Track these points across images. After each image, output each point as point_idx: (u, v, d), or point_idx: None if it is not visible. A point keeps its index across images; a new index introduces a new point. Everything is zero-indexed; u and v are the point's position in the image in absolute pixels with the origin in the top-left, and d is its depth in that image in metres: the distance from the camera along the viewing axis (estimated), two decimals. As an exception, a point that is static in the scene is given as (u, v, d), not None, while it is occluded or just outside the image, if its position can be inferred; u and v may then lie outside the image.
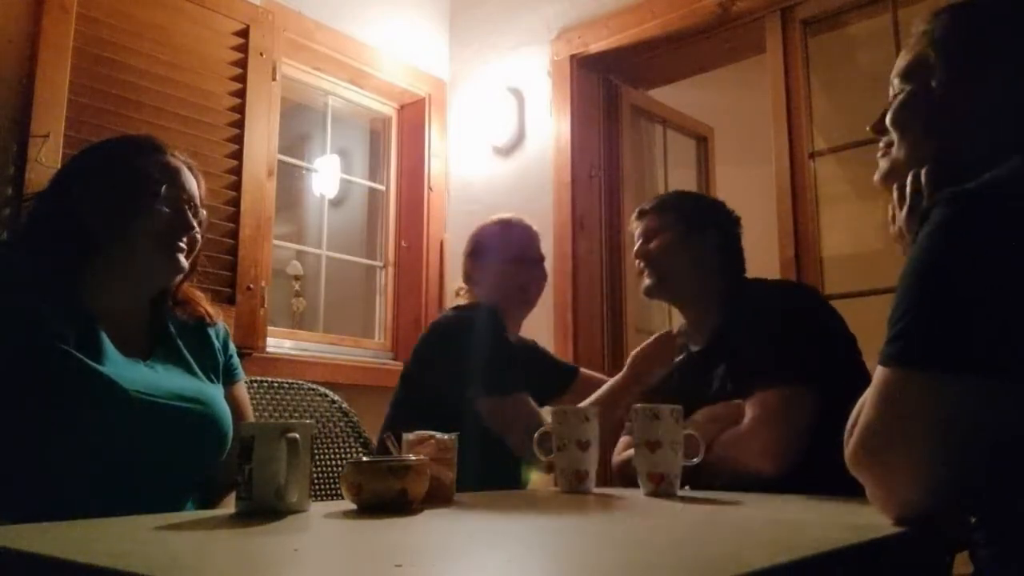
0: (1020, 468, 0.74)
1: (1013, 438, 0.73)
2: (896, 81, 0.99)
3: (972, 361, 0.72)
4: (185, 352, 1.32)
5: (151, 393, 1.19)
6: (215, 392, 1.32)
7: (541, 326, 2.74)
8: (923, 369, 0.75)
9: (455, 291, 1.98)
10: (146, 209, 1.26)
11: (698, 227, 1.67)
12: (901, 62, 0.99)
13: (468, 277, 1.95)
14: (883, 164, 1.02)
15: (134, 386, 1.17)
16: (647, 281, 1.70)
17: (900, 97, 0.98)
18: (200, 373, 1.31)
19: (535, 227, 1.99)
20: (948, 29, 0.96)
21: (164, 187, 1.29)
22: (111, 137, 1.43)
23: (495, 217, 2.06)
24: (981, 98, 0.92)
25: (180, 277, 1.34)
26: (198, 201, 1.34)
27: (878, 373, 0.79)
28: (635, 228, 1.75)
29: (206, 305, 1.40)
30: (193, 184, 1.34)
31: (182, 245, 1.30)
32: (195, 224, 1.32)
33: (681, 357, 1.75)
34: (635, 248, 1.73)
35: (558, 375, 2.05)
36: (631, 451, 1.38)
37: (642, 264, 1.70)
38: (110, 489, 1.14)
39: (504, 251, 1.90)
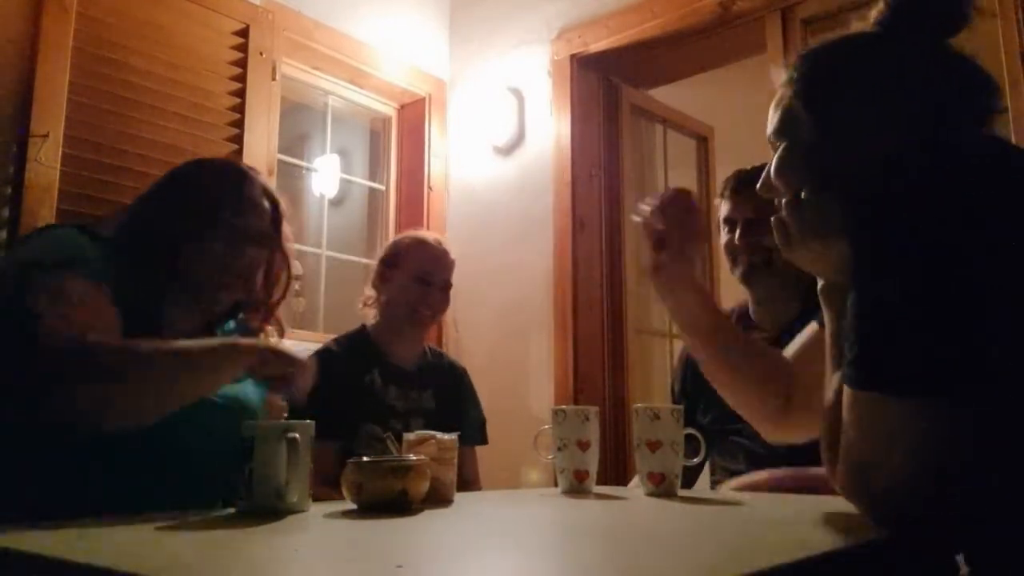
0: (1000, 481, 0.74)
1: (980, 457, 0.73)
2: (771, 139, 1.00)
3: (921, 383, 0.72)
4: None
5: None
6: (251, 394, 1.32)
7: (542, 326, 2.74)
8: (881, 391, 0.74)
9: (361, 301, 1.98)
10: (200, 239, 1.29)
11: None
12: (773, 118, 0.99)
13: (374, 283, 1.95)
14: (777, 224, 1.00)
15: None
16: (755, 260, 1.65)
17: (778, 154, 0.99)
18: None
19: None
20: (808, 78, 0.97)
21: (228, 221, 1.31)
22: (218, 160, 1.49)
23: (418, 232, 2.06)
24: (851, 143, 0.92)
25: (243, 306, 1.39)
26: (271, 242, 1.37)
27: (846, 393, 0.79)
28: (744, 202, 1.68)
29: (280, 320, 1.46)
30: (265, 223, 1.36)
31: (228, 282, 1.32)
32: (242, 267, 1.33)
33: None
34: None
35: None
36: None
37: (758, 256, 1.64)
38: (159, 483, 1.16)
39: (409, 267, 1.90)
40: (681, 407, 1.37)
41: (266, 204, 1.37)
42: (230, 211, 1.32)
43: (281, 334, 1.45)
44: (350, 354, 1.86)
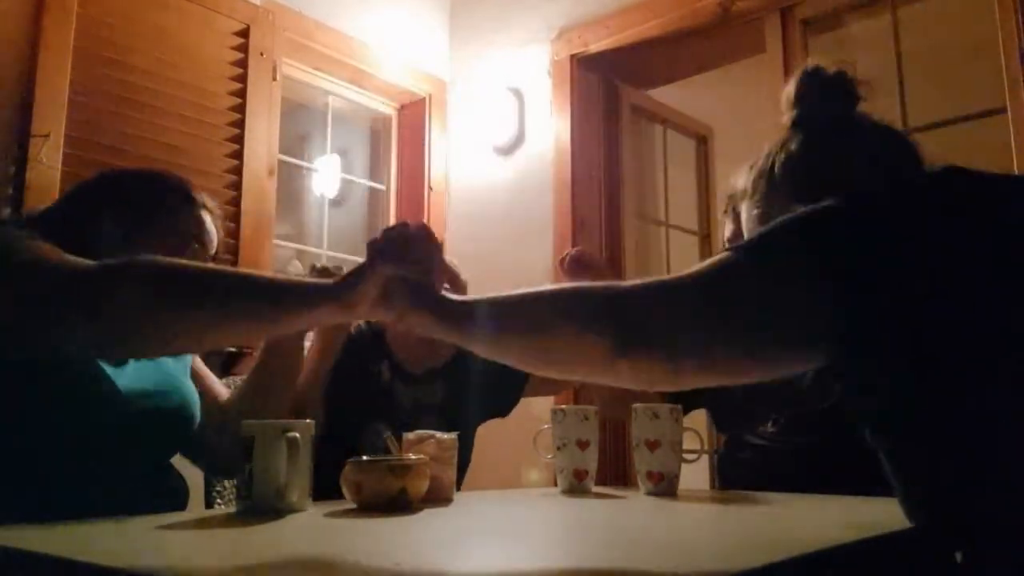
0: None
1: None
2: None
3: None
4: None
5: (131, 385, 1.19)
6: (176, 374, 1.32)
7: (541, 326, 2.73)
8: None
9: None
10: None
11: None
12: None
13: None
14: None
15: (118, 379, 1.18)
16: None
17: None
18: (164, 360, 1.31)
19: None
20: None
21: (191, 247, 1.29)
22: (148, 171, 1.42)
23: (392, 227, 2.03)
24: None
25: None
26: (213, 251, 1.35)
27: None
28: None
29: None
30: (214, 237, 1.35)
31: None
32: None
33: None
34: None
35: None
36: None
37: None
38: (73, 469, 1.13)
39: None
40: (680, 406, 1.37)
41: (210, 223, 1.34)
42: (197, 239, 1.30)
43: None
44: (360, 346, 1.81)
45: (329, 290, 0.98)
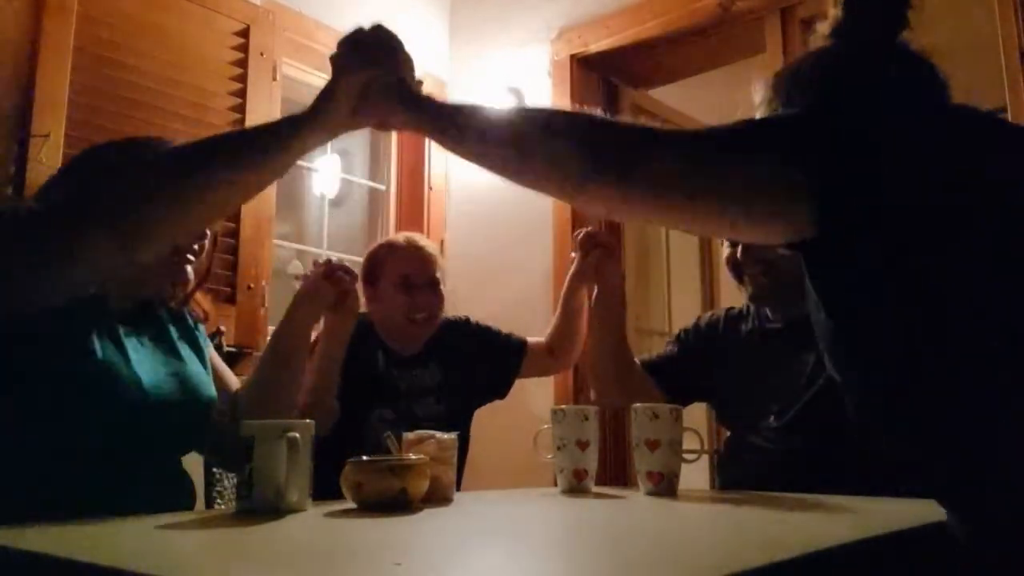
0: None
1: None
2: None
3: None
4: (170, 333, 1.32)
5: (155, 382, 1.20)
6: (193, 365, 1.32)
7: (542, 326, 2.74)
8: None
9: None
10: None
11: None
12: None
13: (365, 301, 1.87)
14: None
15: (143, 375, 1.18)
16: (763, 281, 1.60)
17: None
18: (180, 349, 1.32)
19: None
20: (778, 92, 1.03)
21: None
22: (125, 140, 1.39)
23: (388, 238, 2.02)
24: None
25: (186, 286, 1.34)
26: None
27: None
28: None
29: (205, 305, 1.42)
30: None
31: (187, 258, 1.29)
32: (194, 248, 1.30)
33: (750, 330, 1.70)
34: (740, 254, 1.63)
35: (508, 351, 1.98)
36: None
37: (759, 268, 1.61)
38: (95, 464, 1.13)
39: (389, 276, 1.82)
40: (680, 407, 1.37)
41: None
42: None
43: (204, 319, 1.42)
44: (353, 337, 1.81)
45: (303, 117, 1.00)
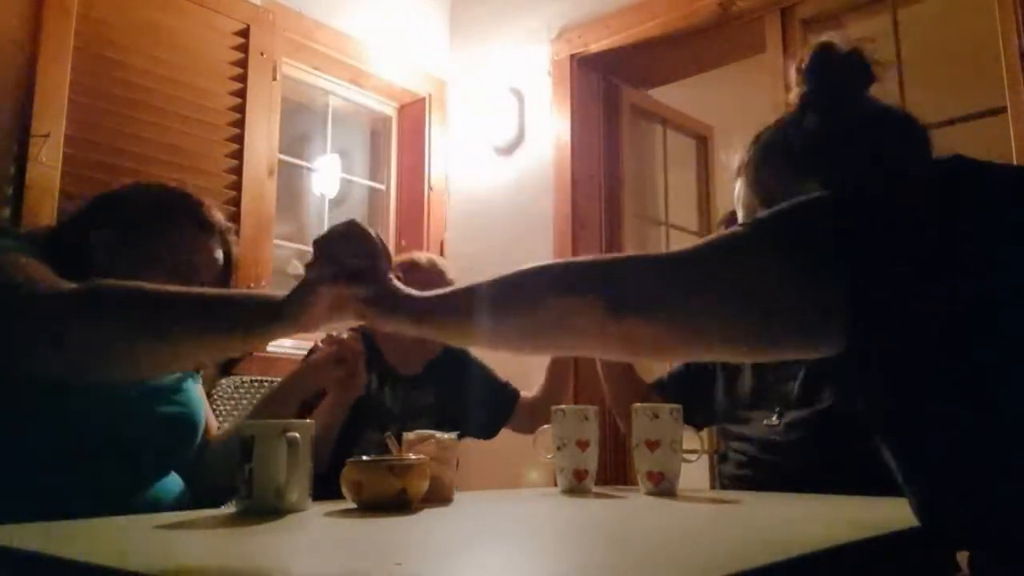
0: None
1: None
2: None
3: None
4: None
5: (135, 387, 1.20)
6: (186, 380, 1.32)
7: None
8: None
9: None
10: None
11: None
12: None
13: None
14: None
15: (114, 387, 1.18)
16: None
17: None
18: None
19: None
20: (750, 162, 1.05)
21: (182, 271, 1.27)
22: (161, 189, 1.39)
23: (411, 255, 2.02)
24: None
25: None
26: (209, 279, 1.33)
27: None
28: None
29: None
30: (213, 264, 1.32)
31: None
32: None
33: None
34: None
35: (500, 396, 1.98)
36: None
37: None
38: (79, 472, 1.14)
39: None
40: (680, 406, 1.37)
41: (218, 251, 1.33)
42: (176, 251, 1.27)
43: None
44: None
45: (275, 312, 0.95)
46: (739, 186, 1.06)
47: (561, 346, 0.95)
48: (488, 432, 1.97)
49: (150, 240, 1.26)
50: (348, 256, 0.96)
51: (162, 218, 1.29)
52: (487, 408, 1.95)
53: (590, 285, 0.83)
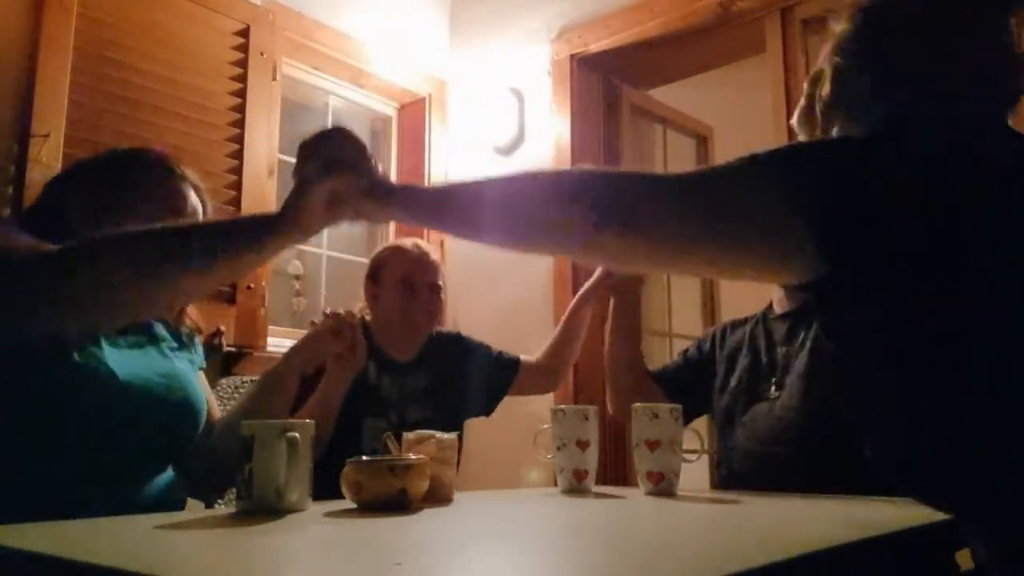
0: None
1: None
2: (826, 108, 1.00)
3: None
4: (161, 334, 1.33)
5: (134, 375, 1.20)
6: (184, 371, 1.32)
7: (542, 326, 2.74)
8: None
9: (358, 310, 1.95)
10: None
11: None
12: (823, 90, 1.01)
13: (366, 298, 1.93)
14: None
15: (120, 370, 1.18)
16: None
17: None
18: (171, 355, 1.32)
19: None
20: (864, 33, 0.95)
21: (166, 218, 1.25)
22: (130, 149, 1.40)
23: (395, 241, 2.06)
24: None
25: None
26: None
27: None
28: None
29: (194, 317, 1.42)
30: (196, 209, 1.32)
31: None
32: None
33: (755, 322, 1.71)
34: None
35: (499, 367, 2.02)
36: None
37: None
38: (80, 464, 1.14)
39: (392, 276, 1.87)
40: (679, 406, 1.37)
41: (193, 197, 1.32)
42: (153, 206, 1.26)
43: (199, 332, 1.42)
44: None
45: (274, 220, 0.98)
46: (829, 70, 0.96)
47: (554, 247, 0.99)
48: (488, 407, 1.99)
49: (126, 194, 1.26)
50: (335, 152, 0.99)
51: (136, 170, 1.30)
52: (485, 383, 1.97)
53: (589, 196, 0.85)
